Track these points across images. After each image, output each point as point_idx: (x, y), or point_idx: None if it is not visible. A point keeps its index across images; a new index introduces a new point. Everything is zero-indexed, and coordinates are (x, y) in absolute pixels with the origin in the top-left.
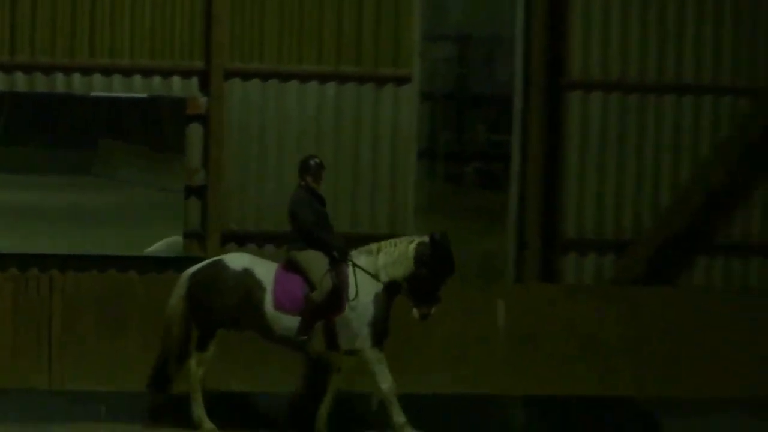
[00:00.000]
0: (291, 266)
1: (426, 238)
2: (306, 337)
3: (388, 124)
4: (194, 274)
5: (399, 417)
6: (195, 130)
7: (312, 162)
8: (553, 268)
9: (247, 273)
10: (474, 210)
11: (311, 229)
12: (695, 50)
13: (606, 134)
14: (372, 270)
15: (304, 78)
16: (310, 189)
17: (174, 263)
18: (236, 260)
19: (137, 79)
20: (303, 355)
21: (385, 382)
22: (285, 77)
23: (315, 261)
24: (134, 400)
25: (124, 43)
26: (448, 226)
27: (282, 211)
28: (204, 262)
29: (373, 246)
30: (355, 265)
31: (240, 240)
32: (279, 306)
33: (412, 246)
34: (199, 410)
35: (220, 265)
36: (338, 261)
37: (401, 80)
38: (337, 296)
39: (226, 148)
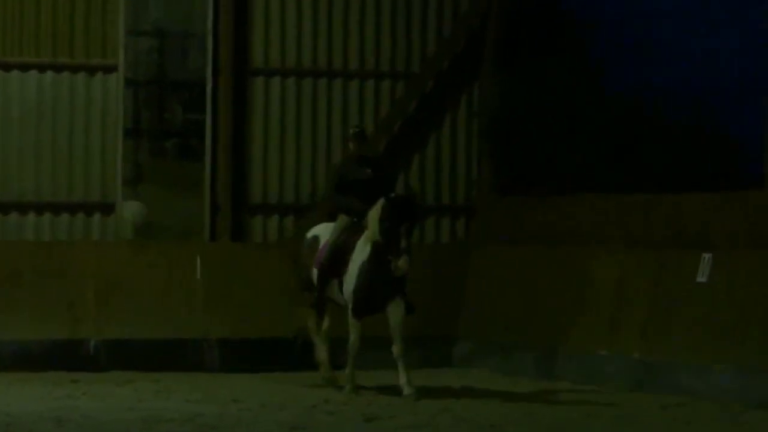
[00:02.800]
0: None
1: (384, 200)
2: (319, 289)
3: (98, 107)
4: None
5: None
6: None
7: (351, 131)
8: (242, 228)
9: (314, 239)
10: (175, 179)
11: (330, 195)
12: (359, 40)
13: (285, 113)
14: (366, 235)
15: (24, 68)
16: (353, 156)
17: None
18: (313, 230)
19: None
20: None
21: (353, 344)
22: (8, 67)
23: (335, 224)
24: None
25: None
26: (153, 193)
27: (6, 179)
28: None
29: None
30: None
31: None
32: (315, 264)
33: (377, 207)
34: (321, 356)
35: (302, 236)
36: (355, 225)
37: (109, 69)
38: (339, 258)
39: None
